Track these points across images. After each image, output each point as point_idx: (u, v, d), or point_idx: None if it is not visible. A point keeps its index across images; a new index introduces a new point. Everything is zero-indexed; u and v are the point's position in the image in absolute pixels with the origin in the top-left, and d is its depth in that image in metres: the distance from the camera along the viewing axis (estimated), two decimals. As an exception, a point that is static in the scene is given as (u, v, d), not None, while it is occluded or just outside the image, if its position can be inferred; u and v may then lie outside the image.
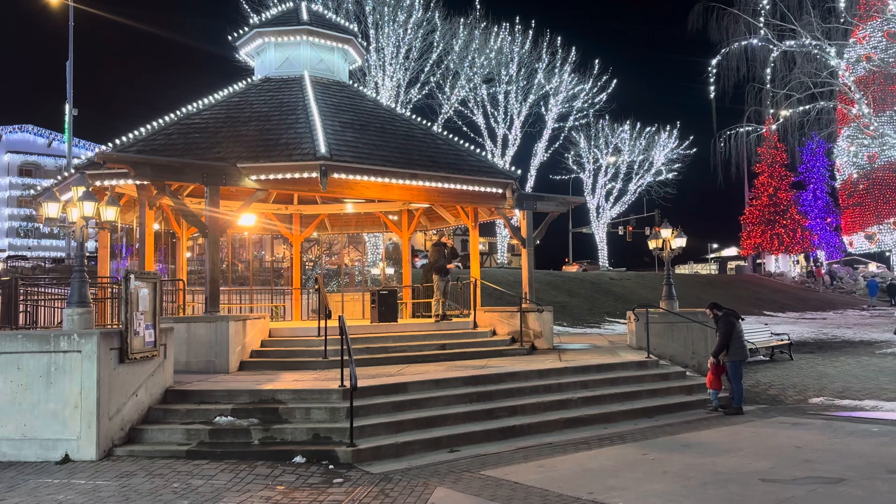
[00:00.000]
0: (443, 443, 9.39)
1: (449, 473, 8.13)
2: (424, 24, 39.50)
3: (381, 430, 9.41)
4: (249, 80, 16.83)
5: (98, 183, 13.19)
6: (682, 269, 71.26)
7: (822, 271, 53.09)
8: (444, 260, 16.82)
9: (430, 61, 40.31)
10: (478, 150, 17.22)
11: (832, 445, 9.26)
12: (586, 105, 48.75)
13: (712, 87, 43.25)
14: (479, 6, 43.41)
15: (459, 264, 19.01)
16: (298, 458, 8.53)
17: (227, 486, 7.53)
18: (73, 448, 8.70)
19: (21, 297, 13.07)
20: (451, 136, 17.15)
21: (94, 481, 7.77)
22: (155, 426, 9.42)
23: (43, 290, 15.08)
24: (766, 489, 7.29)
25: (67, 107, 40.45)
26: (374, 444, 8.90)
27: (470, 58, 42.07)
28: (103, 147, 13.19)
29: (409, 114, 18.38)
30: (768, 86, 37.02)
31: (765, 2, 34.83)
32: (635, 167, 53.75)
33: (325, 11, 17.90)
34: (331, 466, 8.36)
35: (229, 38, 17.51)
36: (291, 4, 17.65)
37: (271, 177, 13.22)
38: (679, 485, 7.52)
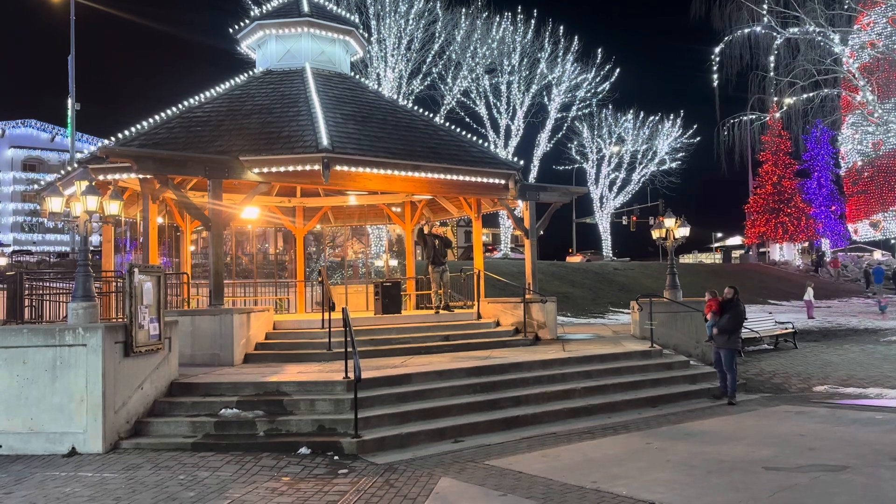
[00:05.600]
0: (447, 433, 9.42)
1: (453, 463, 8.16)
2: (426, 14, 39.34)
3: (386, 420, 9.45)
4: (251, 72, 16.80)
5: (101, 177, 13.20)
6: (687, 259, 71.16)
7: (840, 262, 51.89)
8: (436, 251, 16.81)
9: (432, 52, 40.18)
10: (480, 141, 17.18)
11: (836, 433, 9.27)
12: (589, 95, 48.56)
13: (715, 76, 43.09)
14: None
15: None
16: (303, 450, 8.58)
17: (232, 478, 7.58)
18: (80, 441, 8.76)
19: (26, 292, 13.13)
20: (453, 127, 17.11)
21: (100, 474, 7.82)
22: (160, 419, 9.47)
23: (48, 284, 15.15)
24: (769, 477, 7.31)
25: (70, 101, 40.49)
26: (378, 435, 8.93)
27: (472, 48, 41.90)
28: (106, 141, 13.19)
29: (411, 105, 18.35)
30: (772, 74, 36.88)
31: (768, -11, 34.70)
32: (639, 157, 53.57)
33: (326, 3, 17.81)
34: (336, 457, 8.40)
35: (230, 30, 17.47)
36: (292, -4, 17.56)
37: (274, 169, 13.23)
38: (683, 473, 7.54)
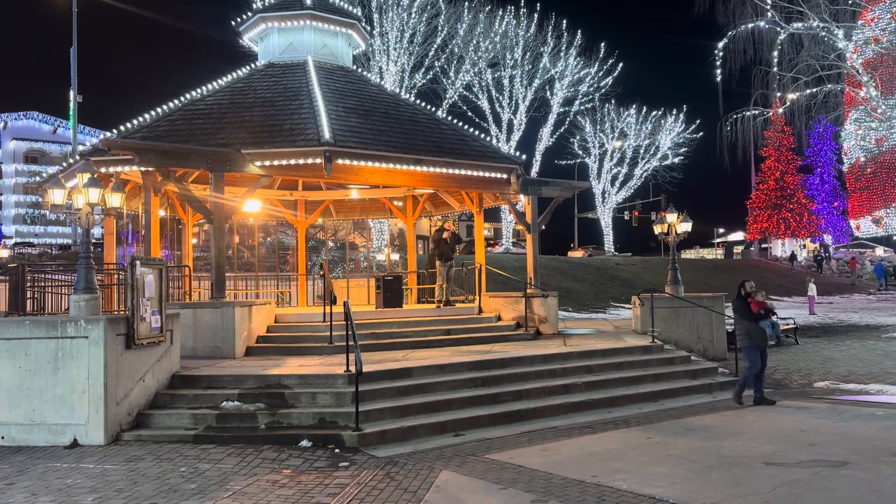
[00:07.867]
0: (448, 427, 9.43)
1: (454, 457, 8.17)
2: (429, 7, 39.20)
3: (387, 414, 9.46)
4: (253, 65, 16.78)
5: (103, 169, 13.21)
6: (688, 254, 71.09)
7: (858, 263, 50.97)
8: (447, 246, 16.81)
9: (435, 46, 40.05)
10: (482, 136, 17.15)
11: (836, 429, 9.28)
12: (592, 89, 48.42)
13: (719, 71, 42.99)
14: (483, -11, 43.02)
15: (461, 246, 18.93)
16: (304, 443, 8.59)
17: (233, 470, 7.60)
18: (82, 433, 8.78)
19: (28, 284, 13.15)
20: (455, 121, 17.09)
21: (102, 465, 7.84)
22: (162, 411, 9.49)
23: (50, 276, 15.17)
24: (770, 472, 7.32)
25: (72, 93, 40.48)
26: (379, 429, 8.94)
27: (475, 42, 41.78)
28: (108, 133, 13.19)
29: (413, 99, 18.32)
30: (775, 69, 36.80)
31: (772, -17, 34.59)
32: (641, 151, 53.43)
33: (329, -5, 17.76)
34: (337, 450, 8.42)
35: (232, 23, 17.45)
36: (295, -12, 17.50)
37: (276, 163, 13.22)
38: (683, 468, 7.55)
